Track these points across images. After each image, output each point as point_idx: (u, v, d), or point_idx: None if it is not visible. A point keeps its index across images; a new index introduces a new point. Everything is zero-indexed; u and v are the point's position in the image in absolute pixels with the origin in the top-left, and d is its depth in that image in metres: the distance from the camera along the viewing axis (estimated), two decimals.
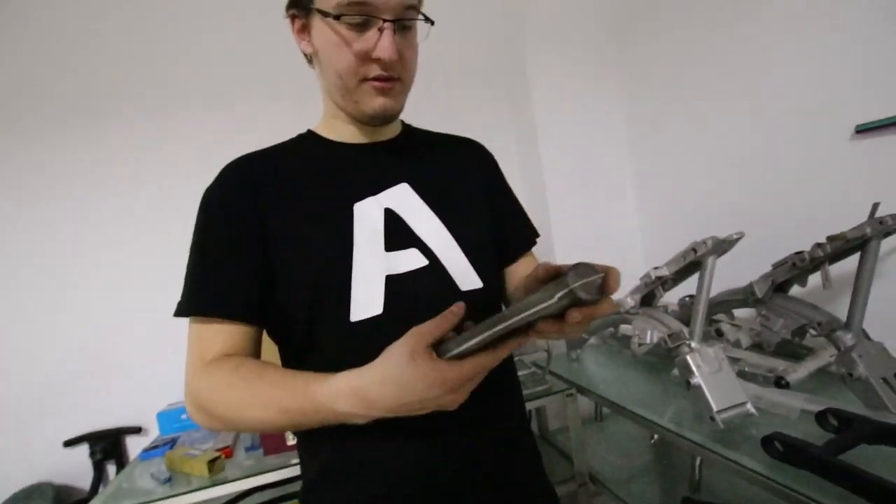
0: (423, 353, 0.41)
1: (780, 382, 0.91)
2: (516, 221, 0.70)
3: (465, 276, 0.57)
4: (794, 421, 0.80)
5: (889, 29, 0.89)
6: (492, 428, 0.58)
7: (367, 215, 0.56)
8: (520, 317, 0.39)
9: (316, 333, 0.54)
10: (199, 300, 0.54)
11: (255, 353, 0.57)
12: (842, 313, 0.84)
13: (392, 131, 0.64)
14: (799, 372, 0.91)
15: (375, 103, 0.56)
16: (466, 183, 0.64)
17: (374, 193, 0.58)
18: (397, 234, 0.56)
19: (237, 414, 0.50)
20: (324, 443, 0.56)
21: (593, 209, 1.67)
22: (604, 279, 0.38)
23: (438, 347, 0.43)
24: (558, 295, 0.38)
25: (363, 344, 0.50)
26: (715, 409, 0.80)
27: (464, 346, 0.42)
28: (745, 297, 0.98)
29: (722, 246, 0.79)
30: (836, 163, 0.99)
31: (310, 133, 0.64)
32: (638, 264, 1.67)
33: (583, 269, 0.38)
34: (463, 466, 0.55)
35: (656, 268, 0.93)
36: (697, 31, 1.33)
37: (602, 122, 1.68)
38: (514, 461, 0.60)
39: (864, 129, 0.92)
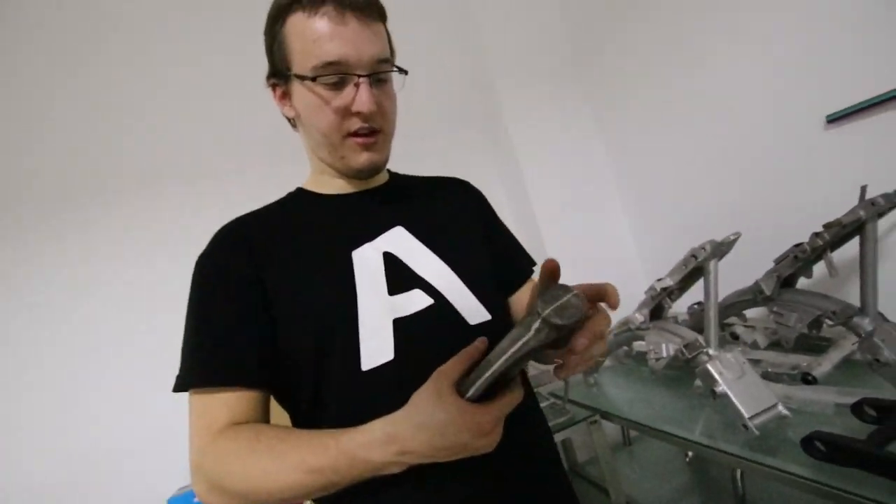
0: (449, 394, 0.41)
1: (806, 378, 0.89)
2: (512, 252, 0.71)
3: (473, 311, 0.56)
4: (831, 416, 0.77)
5: (847, 18, 0.93)
6: (529, 463, 0.55)
7: (367, 261, 0.56)
8: (506, 356, 0.38)
9: (326, 388, 0.53)
10: (201, 370, 0.52)
11: (265, 419, 0.54)
12: (852, 299, 0.83)
13: (380, 179, 0.66)
14: (823, 365, 0.89)
15: (361, 158, 0.57)
16: (459, 220, 0.65)
17: (371, 239, 0.58)
18: (399, 276, 0.55)
19: (260, 483, 0.47)
20: (355, 500, 0.52)
21: (585, 230, 1.69)
22: (580, 296, 0.36)
23: (460, 387, 0.42)
24: (534, 327, 0.36)
25: (377, 393, 0.48)
26: (746, 415, 0.77)
27: (478, 384, 0.41)
28: (753, 296, 0.96)
29: (720, 248, 0.79)
30: (814, 152, 1.01)
31: (300, 190, 0.65)
32: (637, 277, 1.67)
33: (552, 293, 0.36)
34: None
35: (660, 279, 0.92)
36: (658, 43, 1.38)
37: (580, 144, 1.72)
38: (556, 495, 0.57)
39: (834, 119, 0.95)
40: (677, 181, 1.44)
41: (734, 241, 0.78)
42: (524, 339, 0.37)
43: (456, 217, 0.65)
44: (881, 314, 0.81)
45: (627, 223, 1.70)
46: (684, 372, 1.17)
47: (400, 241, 0.58)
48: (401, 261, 0.57)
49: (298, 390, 0.55)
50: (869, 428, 0.67)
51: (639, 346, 1.20)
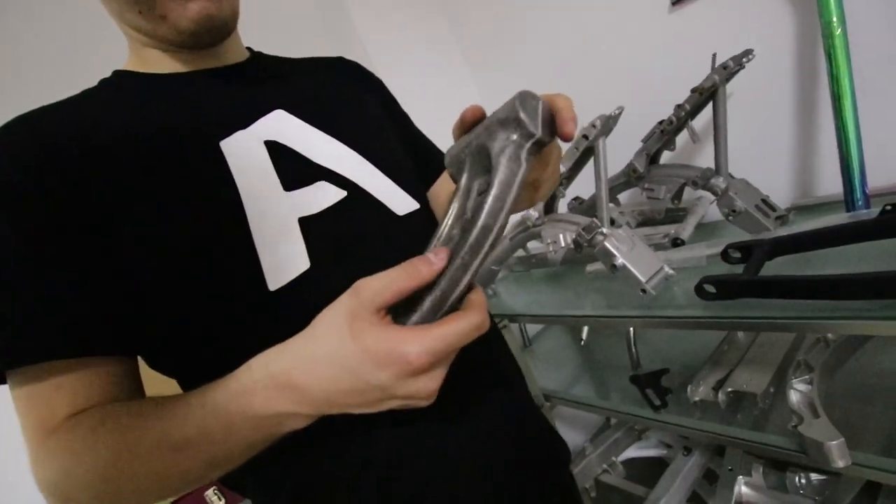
0: (367, 316, 0.29)
1: (676, 242, 1.00)
2: (424, 142, 0.62)
3: (397, 199, 0.47)
4: (704, 267, 0.88)
5: None
6: (503, 399, 0.49)
7: (243, 153, 0.42)
8: (505, 212, 0.29)
9: (222, 332, 0.39)
10: (14, 346, 0.35)
11: (129, 394, 0.39)
12: (703, 163, 0.94)
13: (236, 55, 0.49)
14: (687, 229, 1.01)
15: (190, 10, 0.40)
16: (358, 100, 0.53)
17: (243, 126, 0.43)
18: (293, 169, 0.43)
19: (118, 483, 0.33)
20: (290, 464, 0.42)
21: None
22: (535, 96, 0.30)
23: (399, 316, 0.30)
24: (524, 153, 0.29)
25: (296, 320, 0.37)
26: (643, 280, 0.83)
27: (431, 297, 0.29)
28: (626, 178, 1.03)
29: (609, 124, 0.80)
30: (660, 35, 1.09)
31: (118, 74, 0.46)
32: None
33: (504, 113, 0.30)
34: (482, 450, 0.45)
35: None
36: None
37: (439, 57, 1.65)
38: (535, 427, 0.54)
39: (678, 1, 1.02)
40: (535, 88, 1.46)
41: (619, 114, 0.80)
42: (519, 178, 0.28)
43: (354, 97, 0.53)
44: (729, 174, 0.92)
45: None
46: (571, 267, 1.27)
47: (285, 127, 0.45)
48: (291, 149, 0.44)
49: (180, 346, 0.40)
50: (738, 268, 0.77)
51: (534, 245, 1.23)
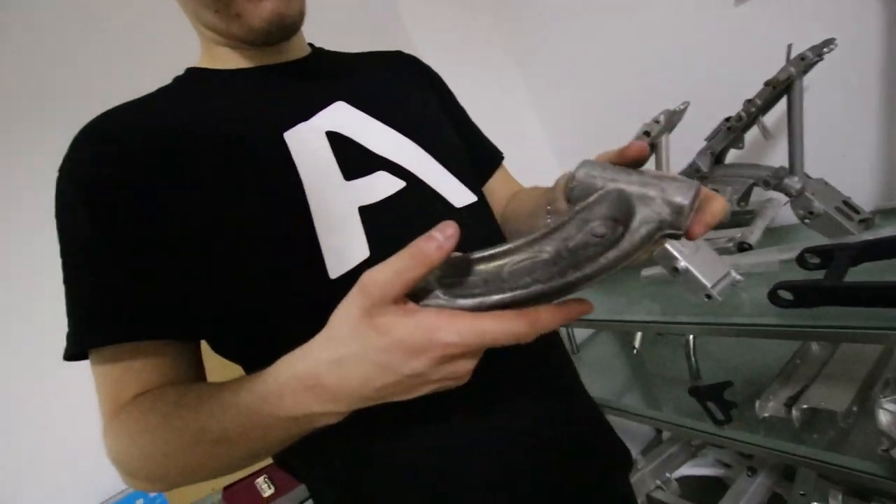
0: (387, 310, 0.27)
1: (742, 246, 0.93)
2: (478, 136, 0.61)
3: (455, 191, 0.46)
4: (777, 273, 0.82)
5: None
6: (553, 389, 0.48)
7: (306, 144, 0.42)
8: (606, 273, 0.27)
9: (282, 317, 0.40)
10: (88, 330, 0.38)
11: (192, 378, 0.41)
12: (775, 162, 0.88)
13: (299, 51, 0.50)
14: (755, 232, 0.94)
15: (263, 11, 0.42)
16: (416, 93, 0.53)
17: (305, 119, 0.44)
18: (353, 158, 0.43)
19: (165, 465, 0.36)
20: (344, 449, 0.41)
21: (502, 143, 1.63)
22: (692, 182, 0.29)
23: (425, 297, 0.28)
24: (644, 231, 0.28)
25: None
26: (708, 285, 0.78)
27: (500, 297, 0.27)
28: (689, 177, 0.98)
29: (673, 119, 0.76)
30: (727, 26, 1.03)
31: (191, 71, 0.48)
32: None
33: (698, 193, 0.28)
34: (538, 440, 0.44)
35: None
36: None
37: (489, 64, 1.63)
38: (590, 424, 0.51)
39: None
40: (590, 83, 1.42)
41: (684, 110, 0.76)
42: (638, 254, 0.27)
43: (412, 90, 0.53)
44: (805, 173, 0.85)
45: (547, 143, 1.67)
46: (621, 271, 1.22)
47: (345, 118, 0.45)
48: (352, 140, 0.44)
49: (243, 332, 0.41)
50: (814, 275, 0.71)
51: None
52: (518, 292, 0.27)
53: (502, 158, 0.61)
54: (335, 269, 0.39)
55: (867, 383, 0.76)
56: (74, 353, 0.38)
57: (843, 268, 0.68)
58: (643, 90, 1.23)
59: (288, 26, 0.44)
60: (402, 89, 0.52)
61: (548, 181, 0.60)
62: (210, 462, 0.35)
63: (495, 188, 0.58)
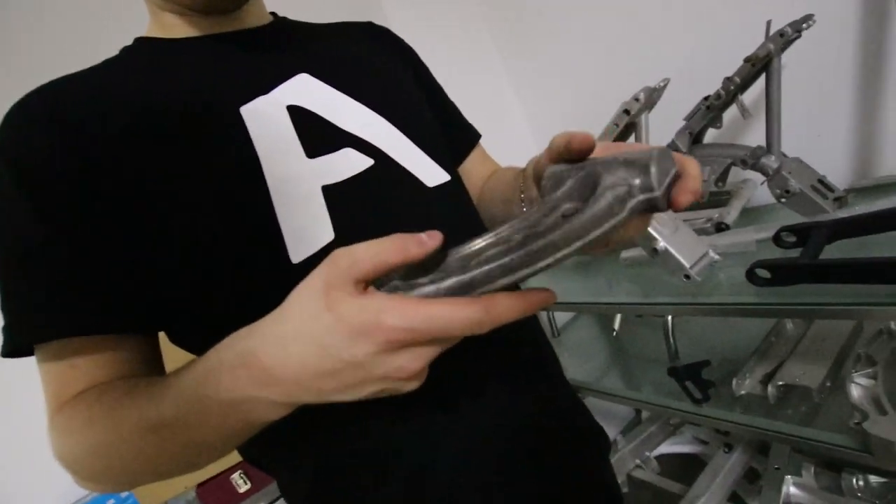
0: (344, 285, 0.25)
1: (720, 227, 0.94)
2: (454, 113, 0.58)
3: (427, 170, 0.43)
4: (754, 253, 0.82)
5: None
6: (539, 381, 0.46)
7: (265, 118, 0.39)
8: (579, 243, 0.25)
9: (244, 307, 0.37)
10: (28, 324, 0.35)
11: (148, 372, 0.38)
12: (751, 142, 0.88)
13: (257, 19, 0.47)
14: (732, 213, 0.95)
15: None
16: (387, 67, 0.50)
17: (264, 92, 0.40)
18: (317, 135, 0.40)
19: (107, 459, 0.33)
20: (312, 444, 0.39)
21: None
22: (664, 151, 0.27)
23: (399, 290, 0.26)
24: (631, 204, 0.26)
25: None
26: (687, 265, 0.78)
27: (457, 279, 0.24)
28: None
29: (653, 97, 0.75)
30: (706, 7, 1.02)
31: (139, 41, 0.44)
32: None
33: (665, 156, 0.27)
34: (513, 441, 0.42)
35: None
36: None
37: (467, 43, 1.59)
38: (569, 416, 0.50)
39: None
40: (569, 61, 1.40)
41: (664, 87, 0.75)
42: (612, 223, 0.25)
43: (382, 63, 0.50)
44: (782, 152, 0.86)
45: (523, 116, 1.65)
46: (594, 258, 1.22)
47: (309, 91, 0.42)
48: (316, 114, 0.41)
49: (201, 321, 0.39)
50: (791, 253, 0.72)
51: None
52: (475, 272, 0.24)
53: (479, 137, 0.59)
54: (297, 253, 0.37)
55: (839, 359, 0.78)
56: (13, 349, 0.35)
57: (818, 245, 0.69)
58: (622, 69, 1.21)
59: None
60: (372, 62, 0.49)
61: (526, 161, 0.58)
62: (151, 454, 0.32)
63: (471, 168, 0.56)
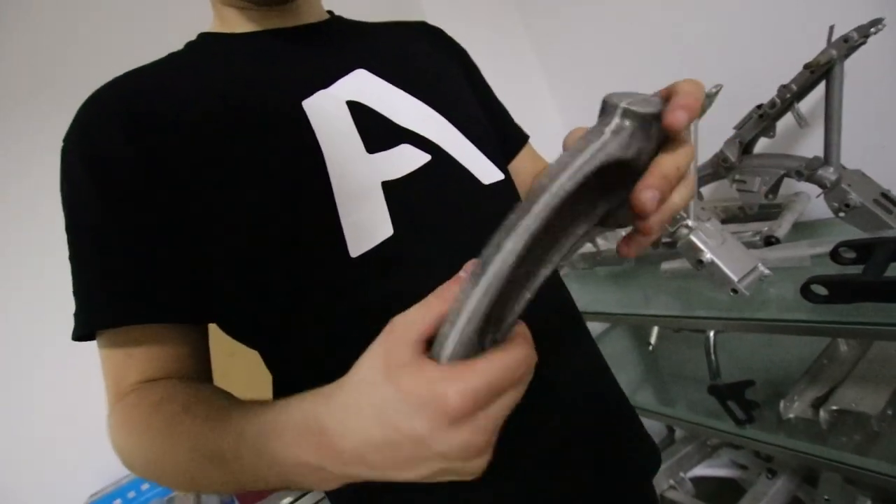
0: (403, 351, 0.24)
1: (770, 241, 0.89)
2: (505, 113, 0.58)
3: (483, 167, 0.43)
4: (809, 268, 0.78)
5: None
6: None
7: (325, 113, 0.39)
8: (560, 181, 0.22)
9: (301, 300, 0.38)
10: (91, 311, 0.37)
11: (198, 366, 0.39)
12: (805, 153, 0.83)
13: (315, 16, 0.48)
14: (783, 226, 0.90)
15: None
16: (441, 64, 0.50)
17: (324, 86, 0.41)
18: (376, 130, 0.40)
19: (161, 464, 0.34)
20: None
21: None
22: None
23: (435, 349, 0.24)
24: (611, 126, 0.24)
25: (378, 287, 0.34)
26: (735, 279, 0.75)
27: (464, 317, 0.22)
28: (714, 169, 0.94)
29: (705, 104, 0.72)
30: (762, 9, 0.98)
31: (204, 36, 0.45)
32: None
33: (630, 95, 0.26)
34: None
35: None
36: None
37: (506, 46, 1.59)
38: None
39: None
40: (613, 65, 1.37)
41: (716, 93, 0.72)
42: (591, 152, 0.23)
43: (436, 62, 0.50)
44: (841, 164, 0.81)
45: (561, 122, 1.63)
46: (640, 265, 1.19)
47: (367, 87, 0.42)
48: (374, 111, 0.41)
49: (257, 310, 0.39)
50: (849, 270, 0.68)
51: (603, 242, 1.16)
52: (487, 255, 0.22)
53: (528, 137, 0.59)
54: (356, 247, 0.37)
55: None
56: (82, 333, 0.37)
57: (883, 262, 0.64)
58: (669, 74, 1.18)
59: None
60: (427, 59, 0.50)
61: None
62: (197, 476, 0.33)
63: (520, 167, 0.55)
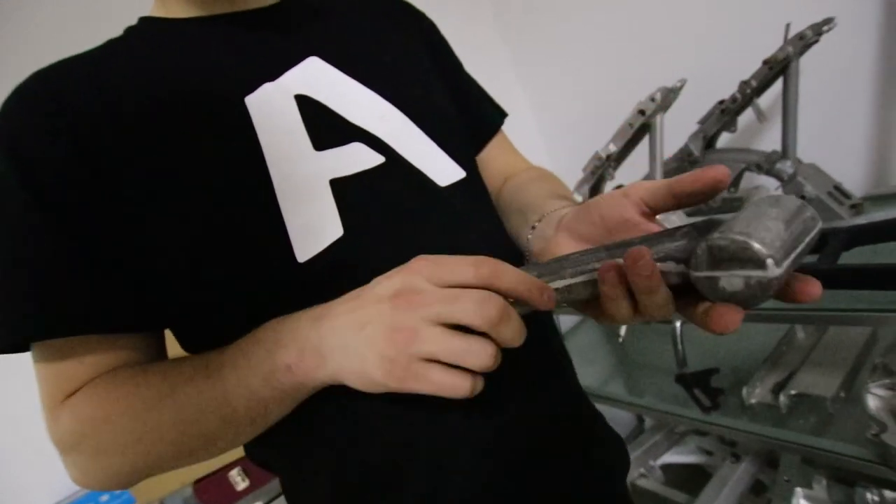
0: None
1: None
2: (477, 96, 0.55)
3: (440, 168, 0.41)
4: None
5: None
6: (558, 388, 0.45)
7: (270, 109, 0.37)
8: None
9: (249, 308, 0.36)
10: (31, 320, 0.34)
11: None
12: (764, 147, 0.86)
13: None
14: None
15: None
16: (405, 46, 0.47)
17: (272, 77, 0.38)
18: (326, 127, 0.38)
19: (134, 437, 0.34)
20: (321, 442, 0.38)
21: None
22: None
23: None
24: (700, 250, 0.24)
25: (329, 294, 0.33)
26: None
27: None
28: (678, 163, 0.96)
29: (669, 98, 0.74)
30: (724, 8, 1.01)
31: (144, 21, 0.42)
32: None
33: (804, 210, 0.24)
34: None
35: (604, 148, 0.86)
36: None
37: (476, 39, 1.59)
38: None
39: None
40: (581, 61, 1.39)
41: (681, 87, 0.74)
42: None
43: (399, 43, 0.47)
44: (797, 158, 0.84)
45: (532, 116, 1.63)
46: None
47: (318, 78, 0.40)
48: (324, 106, 0.39)
49: (204, 320, 0.37)
50: (805, 259, 0.70)
51: None
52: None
53: (498, 126, 0.56)
54: (303, 252, 0.35)
55: (854, 369, 0.76)
56: (12, 343, 0.34)
57: (836, 251, 0.67)
58: (635, 71, 1.20)
59: None
60: (388, 42, 0.47)
61: (533, 160, 0.57)
62: (187, 431, 0.33)
63: (489, 160, 0.53)
